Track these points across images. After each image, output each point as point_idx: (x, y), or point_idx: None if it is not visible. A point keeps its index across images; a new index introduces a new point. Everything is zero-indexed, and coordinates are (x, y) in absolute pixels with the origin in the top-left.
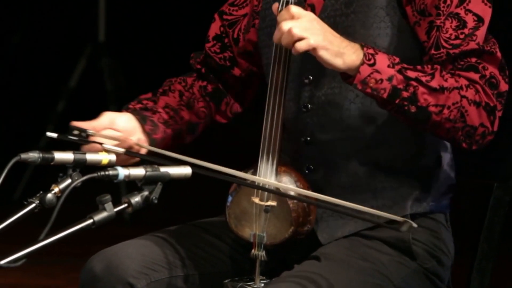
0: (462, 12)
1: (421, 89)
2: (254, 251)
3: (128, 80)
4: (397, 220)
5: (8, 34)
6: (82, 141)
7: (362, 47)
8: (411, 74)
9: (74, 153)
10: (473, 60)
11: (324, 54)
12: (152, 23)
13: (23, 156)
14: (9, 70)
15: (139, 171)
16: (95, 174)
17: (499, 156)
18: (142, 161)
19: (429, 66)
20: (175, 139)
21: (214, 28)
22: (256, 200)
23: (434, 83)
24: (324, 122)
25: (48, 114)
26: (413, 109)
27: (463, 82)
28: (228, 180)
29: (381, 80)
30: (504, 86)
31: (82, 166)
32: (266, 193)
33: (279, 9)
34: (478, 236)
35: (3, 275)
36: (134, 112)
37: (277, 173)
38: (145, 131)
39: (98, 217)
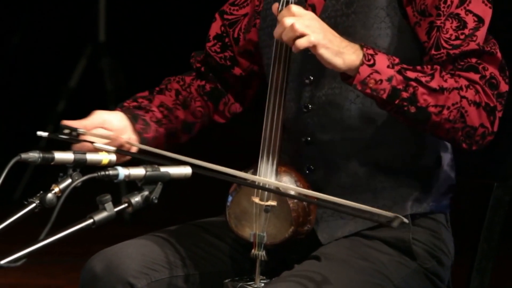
0: (462, 13)
1: (420, 90)
2: (254, 251)
3: (128, 80)
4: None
5: (8, 34)
6: (73, 140)
7: (362, 47)
8: (411, 74)
9: (74, 153)
10: (473, 60)
11: (325, 52)
12: (152, 23)
13: (24, 156)
14: (9, 70)
15: (139, 171)
16: (95, 174)
17: (499, 156)
18: (137, 160)
19: (429, 67)
20: (169, 138)
21: (215, 28)
22: (256, 200)
23: (433, 84)
24: (325, 123)
25: (48, 114)
26: (412, 109)
27: (463, 82)
28: (228, 180)
29: (381, 80)
30: (504, 87)
31: (82, 166)
32: (266, 193)
33: (279, 9)
34: (478, 236)
35: (3, 275)
36: (126, 111)
37: (277, 173)
38: (136, 130)
39: (98, 217)
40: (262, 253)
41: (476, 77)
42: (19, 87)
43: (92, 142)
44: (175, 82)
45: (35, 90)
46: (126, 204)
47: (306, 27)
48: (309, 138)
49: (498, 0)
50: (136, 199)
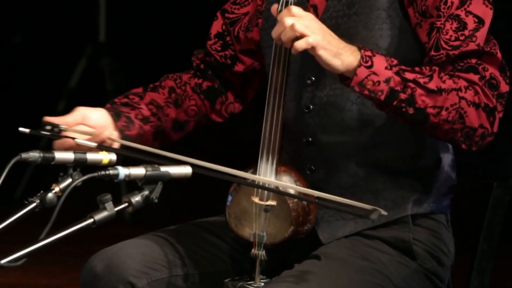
0: (462, 14)
1: (418, 91)
2: (254, 251)
3: (128, 80)
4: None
5: (8, 34)
6: (54, 136)
7: (360, 49)
8: (409, 75)
9: (74, 152)
10: (473, 61)
11: (323, 53)
12: (152, 23)
13: (24, 155)
14: (10, 70)
15: (140, 171)
16: (95, 174)
17: (499, 156)
18: (137, 160)
19: (427, 68)
20: (158, 136)
21: (216, 26)
22: (256, 199)
23: (432, 85)
24: (326, 123)
25: (48, 114)
26: (410, 110)
27: (462, 83)
28: (228, 179)
29: (379, 82)
30: (504, 87)
31: (83, 166)
32: (266, 192)
33: (279, 9)
34: (478, 236)
35: (3, 274)
36: (110, 107)
37: (277, 172)
38: (117, 127)
39: (99, 216)
40: (262, 253)
41: (475, 77)
42: (19, 87)
43: (73, 138)
44: (171, 79)
45: (35, 90)
46: (126, 204)
47: (306, 28)
48: (310, 139)
49: (498, 0)
50: (137, 198)
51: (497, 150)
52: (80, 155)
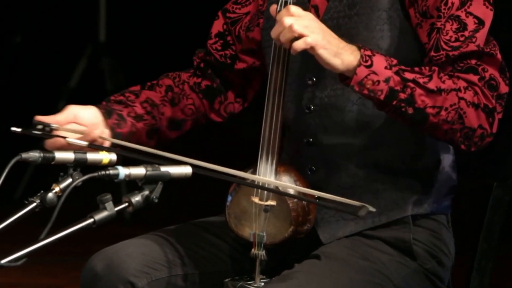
0: (463, 15)
1: (418, 91)
2: (254, 251)
3: (128, 80)
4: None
5: (9, 34)
6: (45, 135)
7: (359, 48)
8: (409, 75)
9: (75, 152)
10: (473, 62)
11: (323, 53)
12: (152, 23)
13: (24, 155)
14: (10, 70)
15: (140, 171)
16: (95, 174)
17: (499, 156)
18: (137, 160)
19: (427, 68)
20: (153, 134)
21: (217, 26)
22: (256, 199)
23: (431, 85)
24: (327, 124)
25: (49, 114)
26: (410, 110)
27: (462, 84)
28: (228, 180)
29: (378, 81)
30: (504, 88)
31: (83, 166)
32: (265, 192)
33: (278, 9)
34: (478, 235)
35: (4, 274)
36: (102, 106)
37: (277, 172)
38: (108, 125)
39: (99, 216)
40: (262, 253)
41: (475, 78)
42: (20, 87)
43: (64, 137)
44: (170, 78)
45: (35, 90)
46: (126, 204)
47: (305, 28)
48: (311, 139)
49: (498, 0)
50: (137, 198)
51: (497, 151)
52: (80, 155)
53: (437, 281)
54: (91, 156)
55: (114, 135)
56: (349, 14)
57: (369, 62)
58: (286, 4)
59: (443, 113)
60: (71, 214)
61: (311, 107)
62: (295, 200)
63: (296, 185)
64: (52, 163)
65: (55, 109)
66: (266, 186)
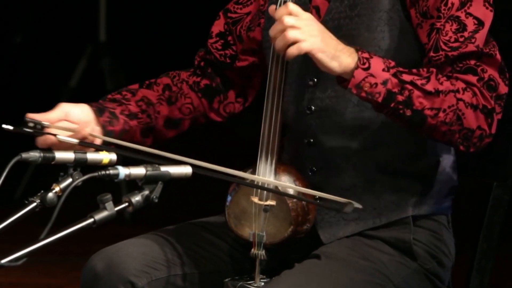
0: (462, 16)
1: (416, 93)
2: (254, 250)
3: (128, 80)
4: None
5: (9, 34)
6: (37, 133)
7: (357, 51)
8: (406, 77)
9: (75, 152)
10: (472, 62)
11: (321, 56)
12: (152, 23)
13: (24, 155)
14: (10, 70)
15: (140, 171)
16: (96, 173)
17: (499, 156)
18: (137, 159)
19: (425, 70)
20: (148, 133)
21: (218, 25)
22: (255, 199)
23: (429, 87)
24: (328, 125)
25: None
26: (408, 112)
27: (460, 85)
28: (227, 180)
29: (376, 84)
30: (503, 89)
31: (83, 165)
32: (265, 192)
33: (276, 9)
34: (478, 235)
35: (4, 274)
36: (94, 103)
37: (276, 172)
38: (99, 123)
39: (99, 216)
40: (261, 253)
41: (473, 79)
42: (20, 86)
43: (55, 135)
44: (168, 77)
45: (36, 90)
46: (126, 204)
47: (301, 33)
48: (311, 140)
49: (498, 0)
50: (137, 198)
51: (497, 151)
52: (80, 155)
53: (437, 282)
54: (91, 156)
55: (106, 133)
56: (350, 15)
57: (366, 65)
58: (285, 3)
59: (441, 114)
60: (71, 214)
61: (311, 107)
62: (295, 200)
63: (296, 185)
64: (52, 163)
65: None
66: (266, 186)
